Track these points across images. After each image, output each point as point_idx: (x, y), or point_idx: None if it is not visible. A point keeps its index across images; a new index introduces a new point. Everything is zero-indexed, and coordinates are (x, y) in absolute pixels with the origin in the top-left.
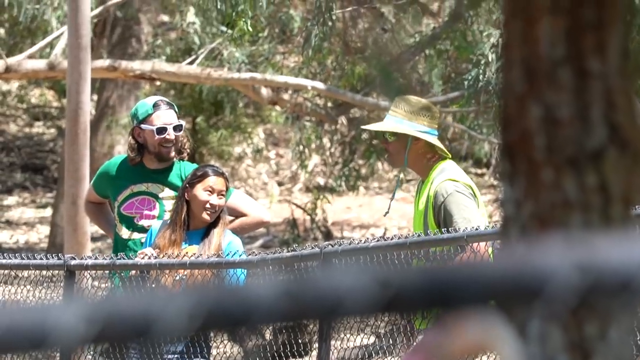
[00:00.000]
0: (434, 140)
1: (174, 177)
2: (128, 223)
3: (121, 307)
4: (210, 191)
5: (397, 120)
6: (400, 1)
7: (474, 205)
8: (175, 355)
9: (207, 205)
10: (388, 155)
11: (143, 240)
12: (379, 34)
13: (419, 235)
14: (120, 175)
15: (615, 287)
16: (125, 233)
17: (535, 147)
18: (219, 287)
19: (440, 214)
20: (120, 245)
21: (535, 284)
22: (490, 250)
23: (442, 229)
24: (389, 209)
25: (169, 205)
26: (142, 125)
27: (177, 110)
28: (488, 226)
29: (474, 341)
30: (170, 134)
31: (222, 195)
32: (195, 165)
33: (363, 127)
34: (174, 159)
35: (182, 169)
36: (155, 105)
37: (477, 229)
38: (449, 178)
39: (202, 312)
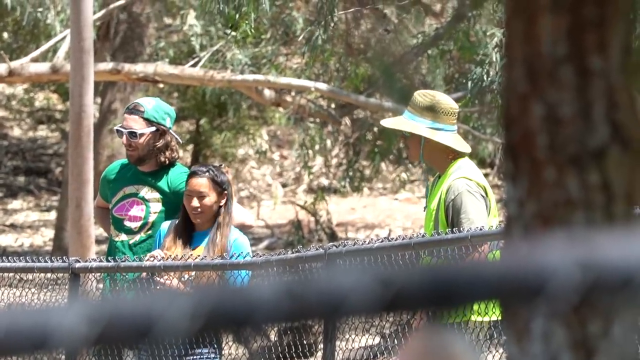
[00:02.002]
0: (446, 137)
1: (161, 181)
2: (117, 225)
3: (123, 308)
4: (190, 195)
5: (410, 116)
6: (402, 2)
7: (482, 207)
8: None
9: (190, 209)
10: (407, 149)
11: (131, 242)
12: (382, 35)
13: (423, 236)
14: (115, 178)
15: (617, 284)
16: (114, 234)
17: (538, 146)
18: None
19: (449, 211)
20: (111, 247)
21: (536, 282)
22: (496, 253)
23: (449, 228)
24: (425, 205)
25: (155, 207)
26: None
27: (151, 116)
28: (492, 226)
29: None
30: (124, 139)
31: (203, 196)
32: (182, 170)
33: (382, 122)
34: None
35: (170, 173)
36: (127, 108)
37: (481, 229)
38: (463, 176)
39: (204, 312)
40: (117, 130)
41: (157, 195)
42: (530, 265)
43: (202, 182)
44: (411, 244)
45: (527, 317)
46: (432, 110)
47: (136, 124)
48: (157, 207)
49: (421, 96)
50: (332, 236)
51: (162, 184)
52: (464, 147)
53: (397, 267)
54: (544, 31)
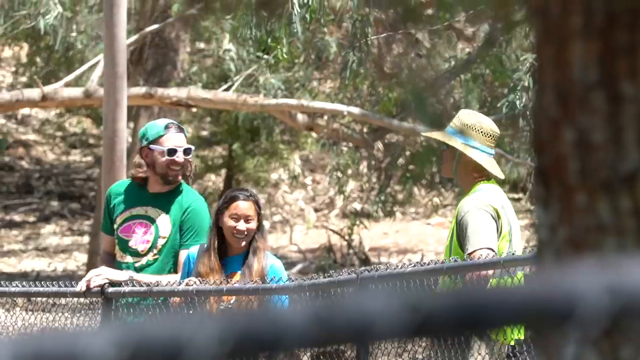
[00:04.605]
0: (479, 156)
1: (173, 203)
2: (123, 246)
3: (152, 332)
4: (236, 217)
5: (451, 131)
6: (434, 27)
7: (489, 222)
8: None
9: (234, 231)
10: (441, 164)
11: (137, 265)
12: (414, 59)
13: (455, 261)
14: (121, 198)
15: None
16: (119, 256)
17: (569, 172)
18: (250, 312)
19: (459, 231)
20: (117, 268)
21: (565, 307)
22: (519, 275)
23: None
24: None
25: (164, 231)
26: (152, 146)
27: (186, 134)
28: (524, 251)
29: None
30: (180, 157)
31: (250, 219)
32: (195, 192)
33: (422, 133)
34: (179, 182)
35: (185, 195)
36: (167, 127)
37: (513, 254)
38: (474, 198)
39: (233, 337)
40: (169, 151)
41: (166, 218)
42: (559, 290)
43: (249, 205)
44: (443, 268)
45: (559, 342)
46: (472, 129)
47: (184, 141)
48: (166, 231)
49: (465, 114)
50: (365, 261)
51: (174, 206)
52: (497, 171)
53: (429, 292)
54: (575, 57)
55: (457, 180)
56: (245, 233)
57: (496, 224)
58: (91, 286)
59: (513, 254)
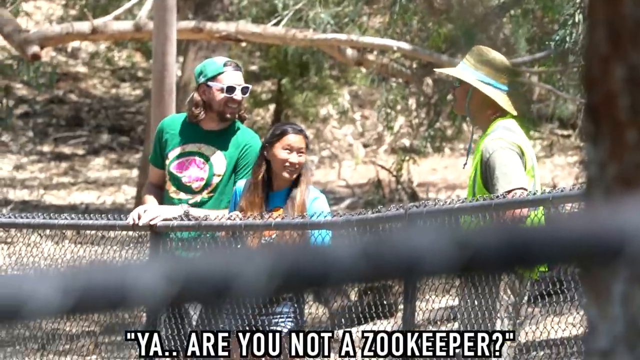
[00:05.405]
0: (493, 92)
1: (229, 142)
2: (176, 182)
3: (200, 266)
4: (289, 149)
5: (464, 67)
6: None
7: (516, 160)
8: (278, 317)
9: (287, 164)
10: (454, 100)
11: (191, 201)
12: None
13: (504, 196)
14: (174, 133)
15: None
16: (173, 192)
17: (620, 108)
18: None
19: (485, 172)
20: (168, 203)
21: (615, 244)
22: (539, 214)
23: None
24: (466, 161)
25: (219, 169)
26: (210, 83)
27: (242, 72)
28: (573, 187)
29: None
30: (238, 95)
31: (302, 152)
32: (251, 131)
33: (435, 70)
34: (235, 120)
35: (240, 134)
36: (226, 65)
37: (562, 190)
38: (499, 137)
39: (281, 272)
40: (227, 89)
41: (221, 155)
42: (608, 227)
43: (300, 138)
44: (492, 204)
45: (607, 280)
46: (485, 64)
47: (242, 79)
48: (221, 168)
49: (478, 49)
50: (413, 196)
51: (230, 144)
52: (510, 107)
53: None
54: None
55: (471, 118)
56: (297, 165)
57: (522, 160)
58: (141, 222)
59: (562, 190)
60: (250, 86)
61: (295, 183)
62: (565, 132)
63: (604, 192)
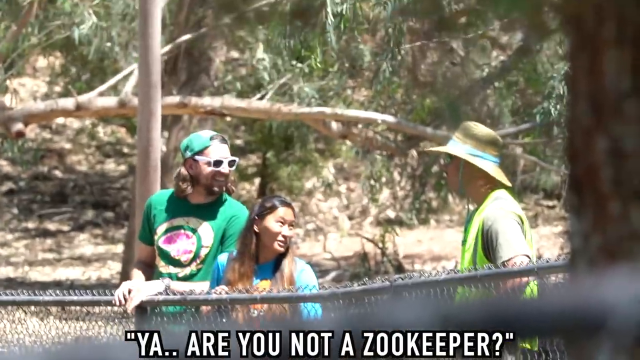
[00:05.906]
0: (486, 164)
1: (217, 214)
2: (165, 256)
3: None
4: (281, 222)
5: (453, 143)
6: (468, 35)
7: (518, 229)
8: None
9: (280, 237)
10: (447, 177)
11: (180, 274)
12: (448, 68)
13: (489, 268)
14: (162, 209)
15: None
16: (162, 266)
17: (602, 180)
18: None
19: (487, 241)
20: (158, 279)
21: (598, 317)
22: (532, 285)
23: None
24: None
25: (207, 241)
26: (197, 157)
27: (229, 145)
28: (558, 258)
29: None
30: (225, 168)
31: (292, 225)
32: (238, 203)
33: (425, 150)
34: (222, 193)
35: (228, 206)
36: (212, 139)
37: (547, 261)
38: (498, 207)
39: None
40: (215, 162)
41: (208, 227)
42: (592, 300)
43: (291, 212)
44: (477, 276)
45: (592, 351)
46: (472, 138)
47: (229, 153)
48: (208, 240)
49: (465, 125)
50: (399, 268)
51: (218, 215)
52: (503, 178)
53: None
54: (608, 65)
55: (465, 192)
56: (289, 239)
57: (522, 229)
58: (129, 308)
59: (547, 261)
60: (237, 159)
61: (281, 255)
62: (550, 203)
63: (587, 263)
